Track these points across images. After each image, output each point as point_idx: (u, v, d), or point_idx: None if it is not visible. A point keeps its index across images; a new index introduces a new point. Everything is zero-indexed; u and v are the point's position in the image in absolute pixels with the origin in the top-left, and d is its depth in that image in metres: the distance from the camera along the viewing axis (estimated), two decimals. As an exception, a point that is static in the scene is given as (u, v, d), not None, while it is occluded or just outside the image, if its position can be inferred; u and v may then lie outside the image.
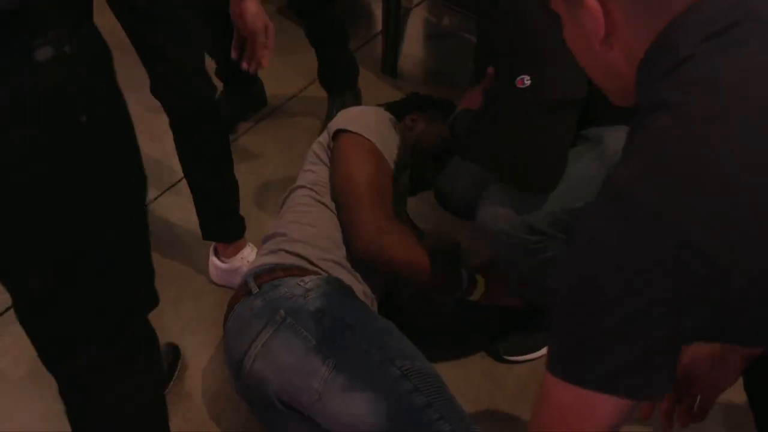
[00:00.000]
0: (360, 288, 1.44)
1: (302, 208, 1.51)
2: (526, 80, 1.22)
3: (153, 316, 1.03)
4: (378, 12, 2.61)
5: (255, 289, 1.33)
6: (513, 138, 1.29)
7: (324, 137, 1.59)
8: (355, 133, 1.50)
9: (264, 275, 1.36)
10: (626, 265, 0.62)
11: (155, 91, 1.58)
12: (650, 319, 0.63)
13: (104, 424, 1.05)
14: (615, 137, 1.29)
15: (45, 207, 0.87)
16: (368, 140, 1.49)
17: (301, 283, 1.32)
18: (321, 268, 1.41)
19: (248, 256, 1.82)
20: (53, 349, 1.00)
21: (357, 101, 2.36)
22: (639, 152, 0.65)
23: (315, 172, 1.55)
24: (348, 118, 1.55)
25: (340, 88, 2.34)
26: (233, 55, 1.49)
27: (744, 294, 0.61)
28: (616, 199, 0.64)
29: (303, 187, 1.54)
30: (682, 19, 0.67)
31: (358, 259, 1.43)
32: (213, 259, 1.85)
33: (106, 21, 1.53)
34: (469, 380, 1.64)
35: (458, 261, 1.81)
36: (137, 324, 1.06)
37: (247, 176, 2.17)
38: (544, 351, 1.65)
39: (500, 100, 1.31)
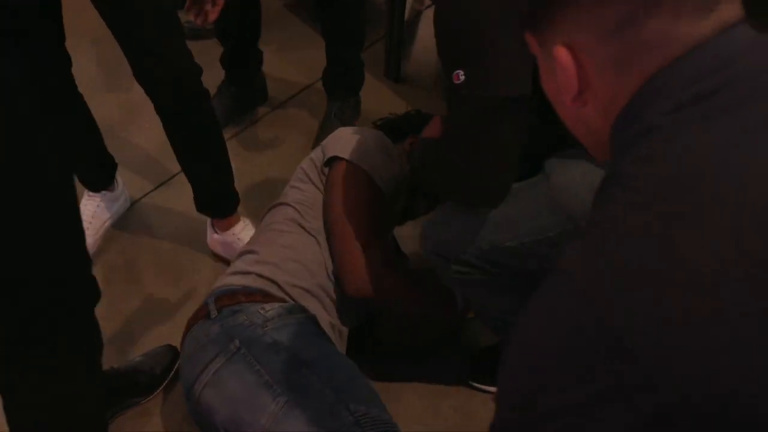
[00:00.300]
0: (327, 319, 1.39)
1: (281, 226, 1.46)
2: (461, 75, 1.08)
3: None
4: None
5: (214, 313, 1.28)
6: (450, 143, 1.15)
7: (317, 155, 1.52)
8: (352, 163, 1.44)
9: (225, 298, 1.31)
10: (552, 350, 0.56)
11: (139, 77, 1.55)
12: (569, 414, 0.55)
13: (42, 419, 1.06)
14: (566, 175, 1.19)
15: None
16: (365, 171, 1.43)
17: (262, 311, 1.27)
18: (288, 295, 1.36)
19: (239, 233, 1.86)
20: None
21: (356, 108, 2.30)
22: (590, 230, 0.58)
23: (302, 190, 1.50)
24: (345, 142, 1.47)
25: (343, 93, 2.27)
26: (187, 6, 1.46)
27: (678, 411, 0.53)
28: (557, 277, 0.58)
29: (287, 204, 1.49)
30: (662, 77, 0.58)
31: (347, 296, 1.39)
32: (209, 228, 1.91)
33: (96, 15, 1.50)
34: (437, 413, 1.59)
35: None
36: (80, 317, 1.05)
37: (242, 174, 2.13)
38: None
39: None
